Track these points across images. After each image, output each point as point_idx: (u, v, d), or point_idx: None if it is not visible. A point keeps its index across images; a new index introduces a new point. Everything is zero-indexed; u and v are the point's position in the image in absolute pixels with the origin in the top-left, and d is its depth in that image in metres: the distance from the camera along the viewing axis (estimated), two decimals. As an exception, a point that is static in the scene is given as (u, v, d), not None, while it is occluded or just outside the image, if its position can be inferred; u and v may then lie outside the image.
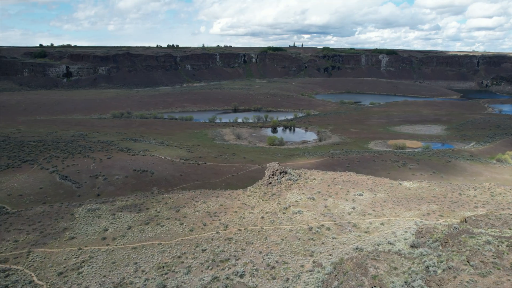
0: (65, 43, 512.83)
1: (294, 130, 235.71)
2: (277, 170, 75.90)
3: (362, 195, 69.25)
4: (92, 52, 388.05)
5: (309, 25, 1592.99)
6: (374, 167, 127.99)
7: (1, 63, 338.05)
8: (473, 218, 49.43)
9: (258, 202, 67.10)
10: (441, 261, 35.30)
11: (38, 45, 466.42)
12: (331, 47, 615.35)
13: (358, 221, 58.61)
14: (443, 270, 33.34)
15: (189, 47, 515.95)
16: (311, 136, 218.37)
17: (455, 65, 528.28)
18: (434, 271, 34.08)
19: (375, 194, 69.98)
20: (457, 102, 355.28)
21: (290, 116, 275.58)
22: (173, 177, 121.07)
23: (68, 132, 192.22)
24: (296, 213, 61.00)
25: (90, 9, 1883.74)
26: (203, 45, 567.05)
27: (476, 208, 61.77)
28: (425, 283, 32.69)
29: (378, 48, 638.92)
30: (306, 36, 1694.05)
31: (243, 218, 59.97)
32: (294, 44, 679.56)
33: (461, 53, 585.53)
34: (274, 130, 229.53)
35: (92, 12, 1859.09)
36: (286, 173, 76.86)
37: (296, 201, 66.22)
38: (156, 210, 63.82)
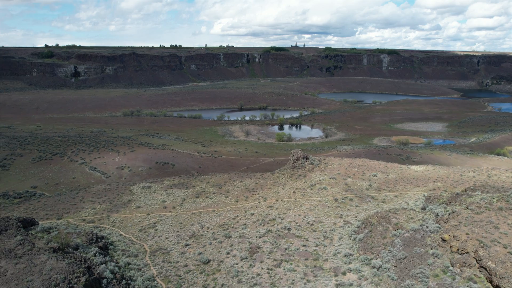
0: (66, 43, 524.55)
1: (300, 127, 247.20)
2: (300, 155, 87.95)
3: (376, 176, 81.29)
4: (99, 52, 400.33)
5: (310, 25, 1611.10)
6: (380, 160, 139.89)
7: (10, 63, 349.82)
8: (472, 187, 61.50)
9: (287, 181, 79.06)
10: (447, 210, 47.14)
11: (41, 46, 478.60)
12: (332, 47, 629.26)
13: (375, 194, 70.62)
14: (449, 214, 45.16)
15: (193, 47, 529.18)
16: (317, 133, 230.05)
17: (455, 64, 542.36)
18: (442, 215, 45.94)
19: (388, 175, 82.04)
20: (458, 101, 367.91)
21: (295, 114, 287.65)
22: (193, 169, 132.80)
23: (86, 129, 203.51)
24: (322, 189, 72.91)
25: (92, 9, 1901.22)
26: (206, 45, 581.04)
27: (475, 185, 73.69)
28: (435, 222, 44.56)
29: (378, 48, 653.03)
30: (306, 36, 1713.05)
31: (278, 192, 71.89)
32: (296, 44, 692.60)
33: (462, 53, 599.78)
34: (281, 128, 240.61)
35: (94, 12, 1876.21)
36: (308, 158, 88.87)
37: (320, 180, 78.16)
38: (201, 187, 75.68)
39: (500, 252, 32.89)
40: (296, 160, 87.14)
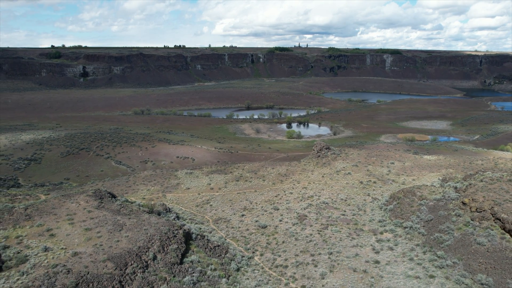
0: (69, 43, 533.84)
1: (308, 125, 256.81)
2: (323, 146, 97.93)
3: (394, 164, 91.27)
4: (106, 52, 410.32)
5: (312, 25, 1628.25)
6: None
7: (20, 64, 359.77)
8: (482, 170, 71.49)
9: (314, 168, 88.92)
10: (464, 184, 56.98)
11: (44, 46, 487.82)
12: (334, 47, 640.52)
13: (395, 178, 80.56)
14: (466, 186, 54.95)
15: (197, 48, 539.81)
16: (325, 130, 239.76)
17: (458, 64, 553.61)
18: (460, 187, 55.79)
19: (404, 163, 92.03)
20: (461, 100, 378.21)
21: (302, 113, 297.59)
22: (211, 163, 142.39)
23: (104, 126, 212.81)
24: (347, 174, 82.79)
25: (96, 10, 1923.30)
26: (210, 45, 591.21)
27: (484, 168, 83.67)
28: (455, 192, 54.35)
29: (381, 48, 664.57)
30: (308, 36, 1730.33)
31: (309, 177, 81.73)
32: (299, 44, 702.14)
33: (464, 53, 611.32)
34: (289, 126, 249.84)
35: (97, 13, 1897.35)
36: (330, 148, 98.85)
37: (344, 167, 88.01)
38: (239, 173, 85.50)
39: (511, 207, 42.70)
40: (320, 150, 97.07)
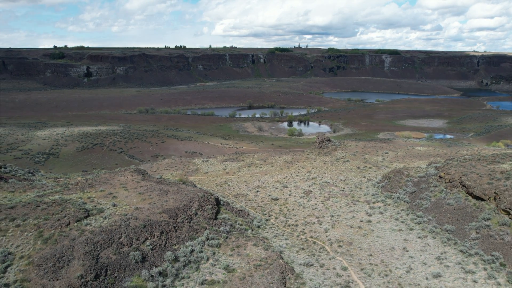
0: (70, 44, 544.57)
1: (308, 124, 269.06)
2: (324, 138, 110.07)
3: (388, 153, 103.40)
4: (109, 53, 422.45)
5: (311, 25, 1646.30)
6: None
7: (24, 64, 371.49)
8: (461, 156, 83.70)
9: (316, 156, 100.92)
10: (443, 164, 69.05)
11: (44, 47, 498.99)
12: (334, 47, 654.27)
13: (388, 164, 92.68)
14: (444, 165, 67.01)
15: (198, 48, 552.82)
16: (325, 128, 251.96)
17: (456, 64, 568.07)
18: (439, 166, 67.90)
19: (397, 153, 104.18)
20: (458, 100, 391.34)
21: (303, 112, 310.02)
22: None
23: (112, 124, 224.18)
24: (345, 161, 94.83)
25: (96, 11, 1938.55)
26: (210, 46, 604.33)
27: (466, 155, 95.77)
28: (435, 170, 66.45)
29: (380, 48, 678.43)
30: (307, 36, 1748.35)
31: (312, 163, 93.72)
32: (299, 45, 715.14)
33: (462, 53, 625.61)
34: (290, 124, 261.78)
35: (98, 14, 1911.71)
36: (330, 140, 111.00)
37: (343, 156, 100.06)
38: (250, 161, 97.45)
39: (474, 176, 54.73)
40: (321, 141, 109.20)
